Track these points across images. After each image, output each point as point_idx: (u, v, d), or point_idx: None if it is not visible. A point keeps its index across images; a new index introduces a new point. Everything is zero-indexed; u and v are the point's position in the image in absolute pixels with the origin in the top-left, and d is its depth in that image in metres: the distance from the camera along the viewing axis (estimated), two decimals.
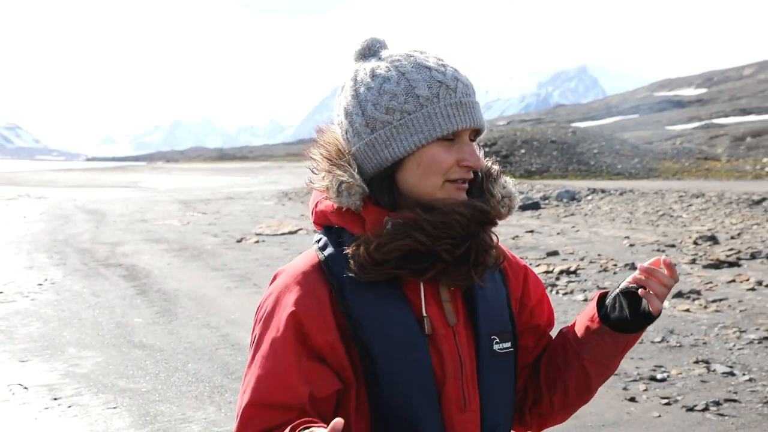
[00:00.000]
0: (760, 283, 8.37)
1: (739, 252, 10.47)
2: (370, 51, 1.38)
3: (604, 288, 4.42)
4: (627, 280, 1.38)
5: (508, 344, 1.42)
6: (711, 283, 8.55)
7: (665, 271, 1.34)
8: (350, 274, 1.29)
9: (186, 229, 16.44)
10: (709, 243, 11.67)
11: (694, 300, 7.79)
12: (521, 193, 23.94)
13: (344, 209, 1.33)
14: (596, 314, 1.41)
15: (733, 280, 8.56)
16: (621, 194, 23.62)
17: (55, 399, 5.17)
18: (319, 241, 1.39)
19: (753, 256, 10.13)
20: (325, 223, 1.39)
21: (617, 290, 1.39)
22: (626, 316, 1.36)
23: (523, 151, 38.71)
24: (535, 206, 19.83)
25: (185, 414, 4.88)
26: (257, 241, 13.78)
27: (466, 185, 1.34)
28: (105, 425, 4.68)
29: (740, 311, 7.25)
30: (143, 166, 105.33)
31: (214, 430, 4.60)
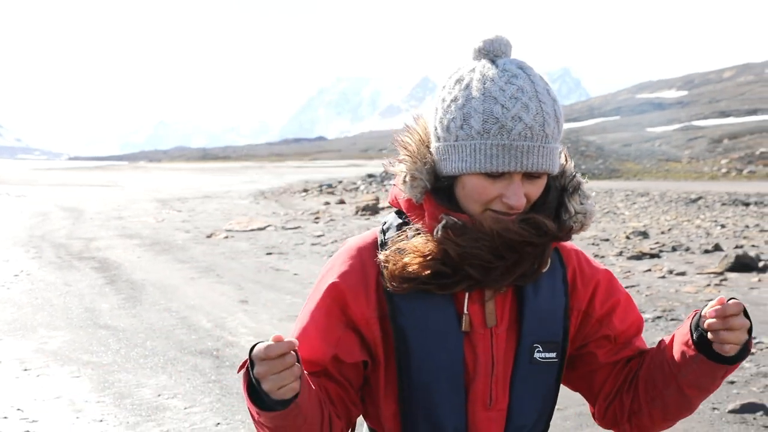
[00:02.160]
0: (671, 271, 9.25)
1: (663, 245, 11.37)
2: (482, 53, 1.38)
3: None
4: (705, 313, 1.29)
5: (553, 354, 1.43)
6: (629, 272, 9.42)
7: (733, 310, 1.25)
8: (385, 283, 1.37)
9: (160, 225, 17.06)
10: (639, 237, 12.57)
11: None
12: None
13: (415, 201, 1.40)
14: (690, 340, 1.34)
15: (649, 270, 9.43)
16: None
17: (26, 370, 5.83)
18: (385, 222, 1.48)
19: (674, 249, 11.03)
20: (396, 205, 1.47)
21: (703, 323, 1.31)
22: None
23: None
24: None
25: (140, 381, 5.57)
26: (226, 237, 14.45)
27: (513, 216, 1.34)
28: (69, 390, 5.36)
29: (646, 296, 8.11)
30: (124, 166, 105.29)
31: (164, 393, 5.29)
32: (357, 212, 19.31)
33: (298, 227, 16.09)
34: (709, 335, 1.27)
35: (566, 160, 1.44)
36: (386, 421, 1.43)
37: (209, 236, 14.59)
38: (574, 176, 1.43)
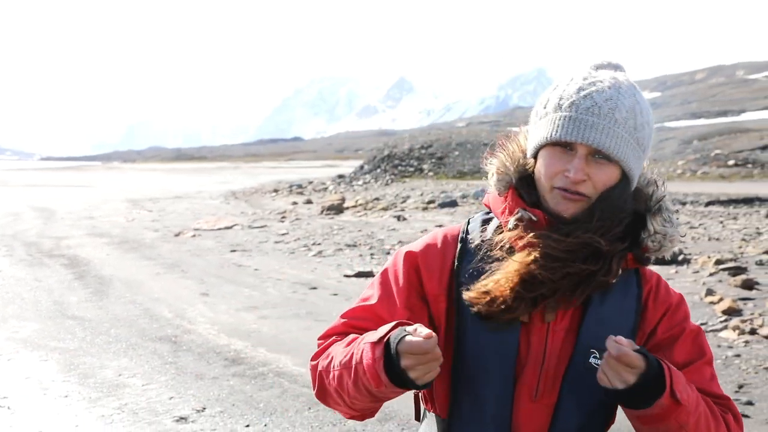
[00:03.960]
0: None
1: None
2: (600, 66, 1.49)
3: None
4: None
5: None
6: None
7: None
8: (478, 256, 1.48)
9: (130, 225, 17.51)
10: None
11: None
12: (444, 193, 25.41)
13: (498, 194, 1.51)
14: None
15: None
16: None
17: None
18: (473, 217, 1.58)
19: None
20: (486, 205, 1.57)
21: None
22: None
23: (456, 153, 40.88)
24: (452, 204, 21.48)
25: (103, 363, 6.12)
26: (193, 235, 14.96)
27: (577, 197, 1.38)
28: (37, 371, 5.89)
29: None
30: (98, 167, 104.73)
31: (124, 373, 5.84)
32: (322, 212, 19.89)
33: (264, 226, 16.64)
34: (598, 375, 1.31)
35: (658, 186, 1.48)
36: (437, 397, 1.52)
37: (177, 235, 15.09)
38: (662, 200, 1.46)
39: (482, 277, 1.42)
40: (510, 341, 1.41)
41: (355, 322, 1.50)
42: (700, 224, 15.93)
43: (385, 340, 1.29)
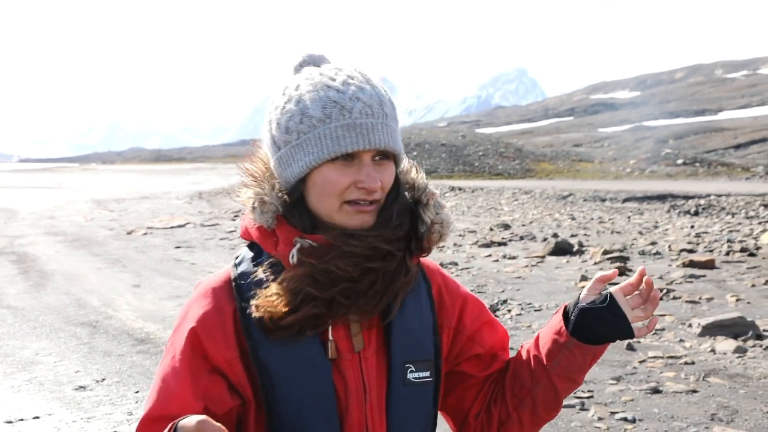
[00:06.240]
0: (505, 256, 10.87)
1: (515, 235, 13.09)
2: (302, 65, 1.39)
3: None
4: (588, 288, 1.39)
5: (426, 374, 1.38)
6: (473, 257, 10.96)
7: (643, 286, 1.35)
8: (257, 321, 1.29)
9: (87, 224, 18.08)
10: (501, 229, 14.20)
11: (450, 268, 10.18)
12: None
13: (267, 227, 1.34)
14: (563, 327, 1.39)
15: (489, 255, 10.97)
16: (472, 192, 26.84)
17: None
18: (238, 257, 1.40)
19: (521, 238, 12.68)
20: (248, 238, 1.39)
21: (583, 304, 1.38)
22: (594, 328, 1.36)
23: (415, 153, 42.00)
24: None
25: (24, 345, 6.78)
26: (145, 233, 15.59)
27: (371, 207, 1.31)
28: None
29: (472, 275, 9.66)
30: (74, 168, 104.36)
31: (41, 353, 6.51)
32: None
33: (216, 224, 17.30)
34: (632, 313, 1.36)
35: (416, 172, 1.43)
36: None
37: (129, 233, 15.71)
38: (426, 187, 1.41)
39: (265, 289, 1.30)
40: (323, 383, 1.30)
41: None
42: (609, 219, 17.10)
43: None
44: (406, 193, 1.40)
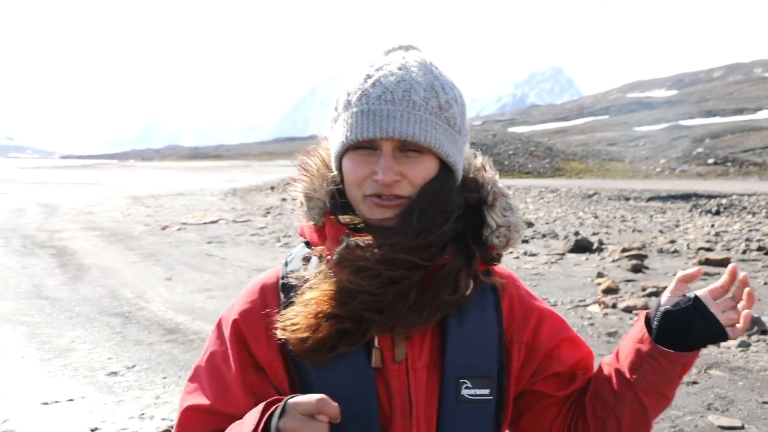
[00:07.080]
0: (526, 253, 10.99)
1: (538, 232, 13.16)
2: (389, 50, 1.31)
3: None
4: (670, 290, 1.27)
5: (486, 391, 1.27)
6: None
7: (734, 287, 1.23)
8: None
9: (124, 219, 18.60)
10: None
11: None
12: None
13: (315, 224, 1.29)
14: (646, 334, 1.26)
15: (510, 252, 11.08)
16: None
17: None
18: (290, 254, 1.37)
19: (544, 236, 12.78)
20: (302, 235, 1.34)
21: (666, 306, 1.25)
22: (682, 333, 1.23)
23: None
24: None
25: (60, 333, 7.14)
26: (179, 229, 16.01)
27: (394, 202, 1.20)
28: (4, 340, 6.93)
29: None
30: (112, 164, 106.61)
31: (76, 340, 6.84)
32: None
33: (248, 221, 17.68)
34: (723, 316, 1.22)
35: (486, 170, 1.32)
36: None
37: (164, 228, 16.15)
38: (493, 187, 1.30)
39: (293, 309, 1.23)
40: (366, 392, 1.22)
41: None
42: (632, 218, 17.13)
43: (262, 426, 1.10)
44: (469, 193, 1.28)
